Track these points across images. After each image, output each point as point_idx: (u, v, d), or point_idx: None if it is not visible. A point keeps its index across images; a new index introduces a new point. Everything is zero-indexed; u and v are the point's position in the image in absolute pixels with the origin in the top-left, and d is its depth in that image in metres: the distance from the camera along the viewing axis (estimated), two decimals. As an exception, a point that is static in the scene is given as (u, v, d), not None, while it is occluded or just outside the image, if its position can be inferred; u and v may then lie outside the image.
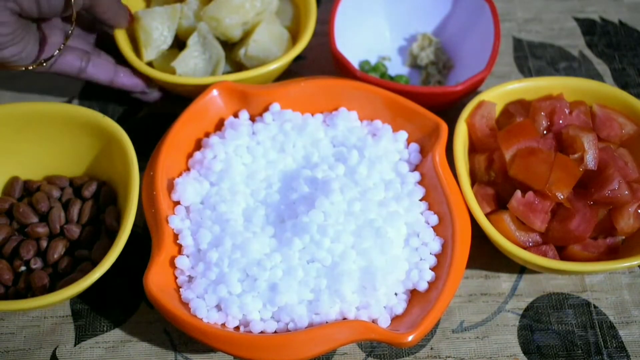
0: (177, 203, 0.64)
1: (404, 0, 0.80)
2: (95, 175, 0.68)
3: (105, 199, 0.66)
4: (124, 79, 0.71)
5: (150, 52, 0.73)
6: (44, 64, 0.65)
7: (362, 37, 0.79)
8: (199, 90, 0.69)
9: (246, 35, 0.74)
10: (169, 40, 0.73)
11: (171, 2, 0.75)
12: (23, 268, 0.63)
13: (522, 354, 0.62)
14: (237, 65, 0.76)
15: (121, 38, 0.72)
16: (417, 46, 0.80)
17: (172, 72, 0.72)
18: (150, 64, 0.74)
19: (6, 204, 0.65)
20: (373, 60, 0.80)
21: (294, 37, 0.77)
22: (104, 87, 0.73)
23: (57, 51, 0.64)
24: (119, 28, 0.72)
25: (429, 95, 0.70)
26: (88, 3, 0.64)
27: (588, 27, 0.86)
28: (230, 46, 0.76)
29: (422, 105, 0.68)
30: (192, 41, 0.73)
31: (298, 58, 0.82)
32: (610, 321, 0.64)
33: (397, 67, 0.81)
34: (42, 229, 0.63)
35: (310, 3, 0.75)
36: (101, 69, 0.69)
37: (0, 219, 0.65)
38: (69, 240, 0.64)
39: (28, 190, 0.67)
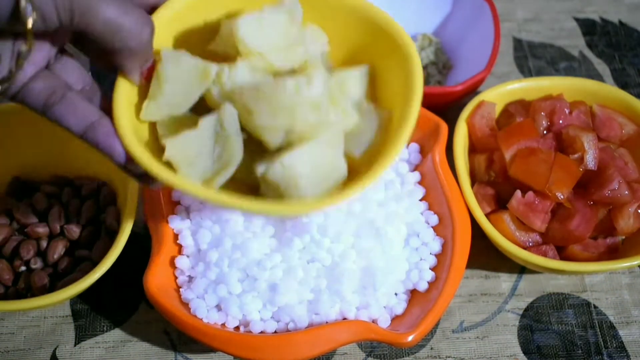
0: (177, 203, 0.64)
1: (404, 0, 0.80)
2: (95, 175, 0.68)
3: (105, 199, 0.66)
4: (102, 138, 0.46)
5: (152, 111, 0.49)
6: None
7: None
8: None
9: (286, 145, 0.48)
10: (184, 105, 0.50)
11: (211, 56, 0.50)
12: (23, 268, 0.63)
13: (522, 354, 0.62)
14: (247, 177, 0.50)
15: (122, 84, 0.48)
16: (417, 46, 0.80)
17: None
18: (154, 126, 0.51)
19: (6, 204, 0.65)
20: (373, 60, 0.80)
21: (354, 173, 0.48)
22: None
23: (13, 72, 0.43)
24: (129, 74, 0.47)
25: (429, 95, 0.70)
26: (66, 18, 0.40)
27: (588, 27, 0.86)
28: (255, 143, 0.49)
29: (422, 105, 0.68)
30: (205, 123, 0.48)
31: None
32: (610, 321, 0.64)
33: (397, 67, 0.81)
34: (42, 229, 0.63)
35: (405, 129, 0.48)
36: (75, 113, 0.46)
37: (0, 219, 0.65)
38: (69, 240, 0.64)
39: (28, 190, 0.67)
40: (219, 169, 0.48)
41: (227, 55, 0.50)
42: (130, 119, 0.47)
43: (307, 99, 0.46)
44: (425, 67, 0.80)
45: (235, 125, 0.48)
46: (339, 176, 0.48)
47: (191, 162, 0.48)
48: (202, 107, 0.50)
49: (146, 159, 0.45)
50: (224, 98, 0.48)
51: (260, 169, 0.47)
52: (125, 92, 0.48)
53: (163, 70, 0.47)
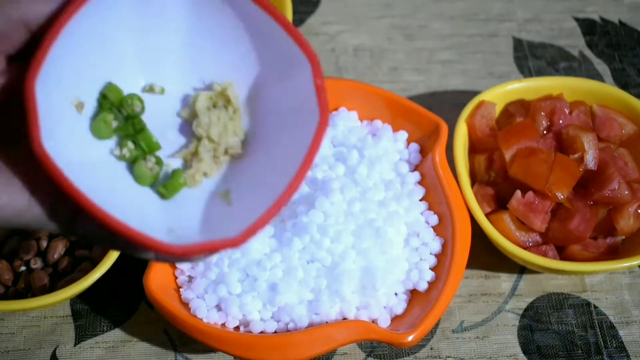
0: (177, 203, 0.64)
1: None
2: (95, 175, 0.68)
3: (105, 199, 0.66)
4: None
5: None
6: None
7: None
8: None
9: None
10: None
11: None
12: (23, 268, 0.63)
13: (522, 354, 0.62)
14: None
15: None
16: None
17: None
18: None
19: (6, 204, 0.65)
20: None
21: None
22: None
23: None
24: None
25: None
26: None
27: (588, 27, 0.86)
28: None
29: None
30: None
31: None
32: (610, 321, 0.64)
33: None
34: (42, 229, 0.63)
35: None
36: None
37: (0, 219, 0.65)
38: (69, 240, 0.64)
39: (28, 190, 0.67)
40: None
41: None
42: None
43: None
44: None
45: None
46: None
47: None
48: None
49: None
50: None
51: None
52: None
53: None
